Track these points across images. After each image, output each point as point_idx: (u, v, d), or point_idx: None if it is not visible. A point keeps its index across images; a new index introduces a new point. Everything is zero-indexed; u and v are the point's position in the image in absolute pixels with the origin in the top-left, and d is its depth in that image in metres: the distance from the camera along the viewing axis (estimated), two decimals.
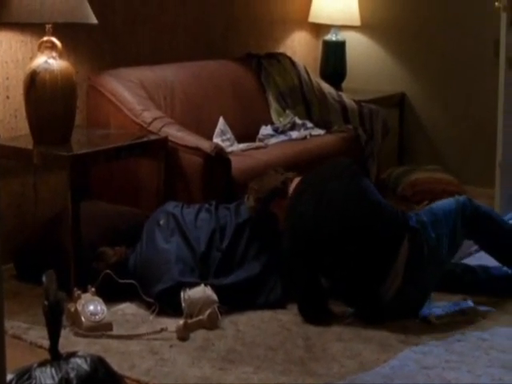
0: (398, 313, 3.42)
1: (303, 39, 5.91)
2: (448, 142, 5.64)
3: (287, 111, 5.11)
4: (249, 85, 5.06)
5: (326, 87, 5.38)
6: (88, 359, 2.52)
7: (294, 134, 4.90)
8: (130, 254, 3.71)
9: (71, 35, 4.22)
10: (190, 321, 3.32)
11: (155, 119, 4.17)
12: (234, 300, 3.52)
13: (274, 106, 5.13)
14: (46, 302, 2.52)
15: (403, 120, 5.79)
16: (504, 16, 4.55)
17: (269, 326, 3.41)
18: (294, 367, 3.04)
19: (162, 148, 4.03)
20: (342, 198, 3.47)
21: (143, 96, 4.33)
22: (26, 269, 3.87)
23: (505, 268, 3.69)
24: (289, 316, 3.50)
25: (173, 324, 3.32)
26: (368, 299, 3.43)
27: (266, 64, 5.23)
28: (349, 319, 3.45)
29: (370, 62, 5.87)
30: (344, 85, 5.72)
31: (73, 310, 3.34)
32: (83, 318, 3.31)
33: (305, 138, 4.87)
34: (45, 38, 3.74)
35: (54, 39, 3.73)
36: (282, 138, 4.85)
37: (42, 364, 2.50)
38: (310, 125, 5.05)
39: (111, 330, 3.33)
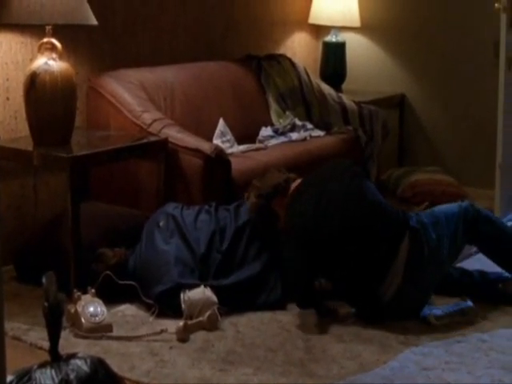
0: (398, 313, 3.42)
1: (303, 40, 5.92)
2: (448, 143, 5.65)
3: (287, 112, 5.11)
4: (249, 86, 5.06)
5: (326, 88, 5.38)
6: (88, 360, 2.52)
7: (294, 136, 4.90)
8: (129, 255, 3.71)
9: (71, 36, 4.22)
10: (189, 322, 3.32)
11: (155, 120, 4.17)
12: (233, 300, 3.52)
13: (273, 107, 5.13)
14: (45, 304, 2.52)
15: (403, 121, 5.79)
16: (504, 17, 4.55)
17: (268, 327, 3.41)
18: (294, 368, 3.04)
19: (162, 149, 4.03)
20: (343, 199, 3.48)
21: (143, 97, 4.33)
22: (26, 270, 3.87)
23: (506, 274, 3.69)
24: (288, 317, 3.50)
25: (173, 325, 3.32)
26: (368, 299, 3.43)
27: (266, 65, 5.23)
28: (351, 319, 3.45)
29: (370, 63, 5.87)
30: (344, 86, 5.72)
31: (73, 311, 3.34)
32: (83, 320, 3.31)
33: (305, 139, 4.87)
34: (45, 40, 3.74)
35: (54, 40, 3.73)
36: (282, 139, 4.85)
37: (42, 365, 2.50)
38: (309, 126, 5.05)
39: (111, 331, 3.33)
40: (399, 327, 3.37)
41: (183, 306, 3.41)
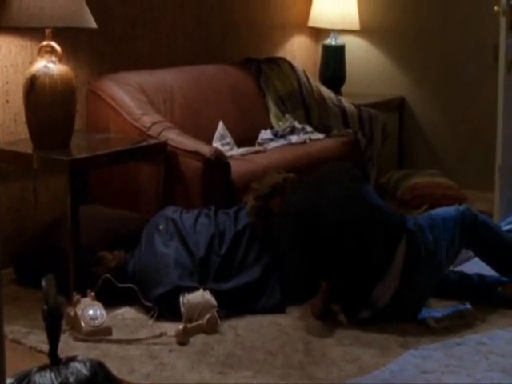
0: (395, 315, 3.42)
1: (303, 43, 5.92)
2: (447, 146, 5.65)
3: (286, 115, 5.12)
4: (248, 89, 5.06)
5: (326, 91, 5.38)
6: (87, 364, 2.52)
7: (294, 139, 4.90)
8: (129, 258, 3.71)
9: (71, 40, 4.23)
10: (189, 325, 3.32)
11: (154, 123, 4.17)
12: (233, 305, 3.52)
13: (273, 110, 5.13)
14: (45, 307, 2.52)
15: (403, 124, 5.79)
16: (503, 20, 4.55)
17: (268, 330, 3.41)
18: (294, 371, 3.04)
19: (162, 152, 4.03)
20: (341, 202, 3.48)
21: (143, 100, 4.33)
22: (26, 273, 3.86)
23: (503, 278, 3.69)
24: (288, 320, 3.50)
25: (172, 328, 3.32)
26: (361, 301, 3.43)
27: (266, 68, 5.23)
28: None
29: (370, 66, 5.87)
30: (343, 89, 5.73)
31: (72, 314, 3.34)
32: (83, 323, 3.30)
33: (304, 142, 4.87)
34: (44, 43, 3.74)
35: (53, 44, 3.73)
36: (282, 142, 4.86)
37: (42, 368, 2.50)
38: (309, 129, 5.05)
39: (110, 334, 3.33)
40: (399, 330, 3.37)
41: (182, 309, 3.41)
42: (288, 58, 5.54)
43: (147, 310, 3.52)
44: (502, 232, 3.74)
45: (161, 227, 3.71)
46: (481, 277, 3.70)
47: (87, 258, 3.64)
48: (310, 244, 3.45)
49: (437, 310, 3.50)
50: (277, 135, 4.92)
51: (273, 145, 4.79)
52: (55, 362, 2.52)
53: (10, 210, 4.06)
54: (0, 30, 3.89)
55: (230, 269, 3.64)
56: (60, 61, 3.75)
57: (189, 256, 3.61)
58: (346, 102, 5.30)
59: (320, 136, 5.01)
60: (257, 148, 4.69)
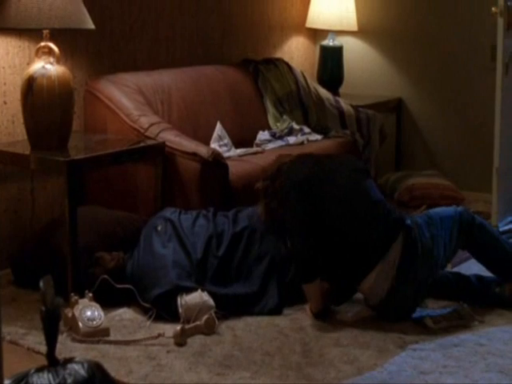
0: (391, 312, 3.44)
1: (300, 44, 5.93)
2: (445, 147, 5.65)
3: (284, 116, 5.12)
4: (246, 90, 5.06)
5: (324, 92, 5.39)
6: (85, 365, 2.52)
7: (292, 140, 4.90)
8: (127, 259, 3.71)
9: (69, 41, 4.23)
10: (187, 326, 3.32)
11: (152, 124, 4.17)
12: (230, 309, 3.52)
13: (271, 111, 5.13)
14: (43, 308, 2.51)
15: (400, 125, 5.80)
16: (501, 21, 4.56)
17: (266, 331, 3.41)
18: (291, 372, 3.04)
19: (160, 153, 4.03)
20: (345, 189, 3.50)
21: (140, 101, 4.33)
22: (24, 274, 3.86)
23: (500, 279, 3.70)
24: (286, 321, 3.50)
25: (170, 329, 3.32)
26: (350, 289, 3.52)
27: (263, 69, 5.23)
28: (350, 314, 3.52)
29: (368, 67, 5.88)
30: (341, 90, 5.73)
31: (70, 315, 3.34)
32: (80, 324, 3.30)
33: (302, 143, 4.87)
34: (42, 44, 3.74)
35: (51, 45, 3.73)
36: (280, 143, 4.86)
37: (39, 370, 2.49)
38: (307, 130, 5.05)
39: (108, 335, 3.33)
40: (397, 331, 3.37)
41: (180, 310, 3.41)
42: (286, 59, 5.54)
43: (145, 311, 3.52)
44: (498, 236, 3.75)
45: (159, 228, 3.71)
46: (478, 277, 3.70)
47: (85, 259, 3.64)
48: (311, 215, 3.47)
49: (434, 310, 3.51)
50: (275, 136, 4.92)
51: (271, 146, 4.79)
52: (53, 363, 2.51)
53: (8, 211, 4.06)
54: None
55: (227, 271, 3.64)
56: (58, 62, 3.75)
57: (187, 257, 3.61)
58: (343, 103, 5.30)
59: (318, 137, 5.01)
60: (255, 149, 4.69)
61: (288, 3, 5.75)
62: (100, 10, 4.39)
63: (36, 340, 3.23)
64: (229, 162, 4.14)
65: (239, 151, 4.57)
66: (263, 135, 4.91)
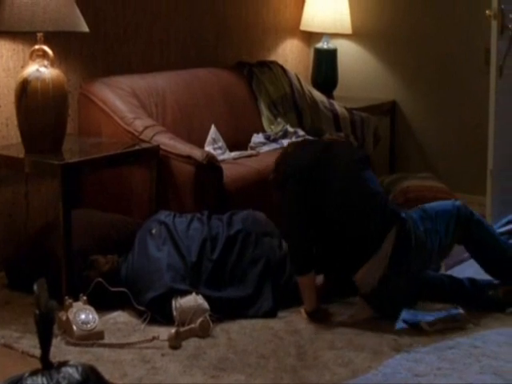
0: (382, 304, 3.44)
1: (295, 47, 5.93)
2: (439, 149, 5.66)
3: (279, 119, 5.12)
4: (240, 93, 5.06)
5: (318, 95, 5.39)
6: (79, 368, 2.51)
7: (286, 142, 4.89)
8: (121, 262, 3.70)
9: (63, 44, 4.23)
10: (181, 329, 3.32)
11: (147, 127, 4.16)
12: (224, 312, 3.52)
13: (265, 114, 5.13)
14: (37, 311, 2.51)
15: (394, 128, 5.80)
16: (495, 24, 4.56)
17: (261, 334, 3.41)
18: (286, 375, 3.04)
19: (154, 156, 4.03)
20: (344, 184, 3.51)
21: (135, 104, 4.33)
22: (18, 277, 3.86)
23: (496, 281, 3.69)
24: (281, 324, 3.50)
25: (164, 332, 3.32)
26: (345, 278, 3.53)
27: (258, 72, 5.23)
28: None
29: (362, 70, 5.88)
30: (335, 93, 5.73)
31: (64, 318, 3.33)
32: (75, 327, 3.30)
33: None
34: (36, 47, 3.74)
35: (45, 47, 3.73)
36: (274, 146, 4.86)
37: (34, 373, 2.48)
38: (301, 133, 5.05)
39: (103, 338, 3.32)
40: (391, 334, 3.38)
41: (175, 313, 3.40)
42: (280, 61, 5.54)
43: (139, 314, 3.51)
44: (496, 234, 3.75)
45: (153, 231, 3.71)
46: (472, 281, 3.70)
47: (79, 262, 3.63)
48: (308, 202, 3.47)
49: (429, 313, 3.51)
50: (269, 139, 4.92)
51: (265, 148, 4.79)
52: (47, 366, 2.50)
53: (2, 215, 4.06)
54: None
55: (222, 274, 3.63)
56: (52, 65, 3.74)
57: (181, 260, 3.61)
58: (337, 106, 5.31)
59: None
60: (249, 152, 4.69)
61: (282, 6, 5.76)
62: (94, 13, 4.39)
63: (30, 343, 3.22)
64: (223, 165, 4.14)
65: (233, 154, 4.57)
66: (257, 138, 4.91)
